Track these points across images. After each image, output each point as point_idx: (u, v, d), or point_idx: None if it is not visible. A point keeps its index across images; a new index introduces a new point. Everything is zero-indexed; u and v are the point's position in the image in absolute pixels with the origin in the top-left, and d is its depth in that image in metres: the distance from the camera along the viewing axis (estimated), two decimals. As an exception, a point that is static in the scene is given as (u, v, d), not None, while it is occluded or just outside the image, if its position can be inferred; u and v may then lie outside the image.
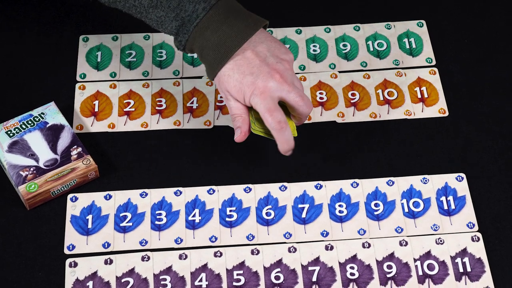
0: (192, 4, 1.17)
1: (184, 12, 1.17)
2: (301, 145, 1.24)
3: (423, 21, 1.44)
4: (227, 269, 1.17)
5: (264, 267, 1.17)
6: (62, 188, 1.22)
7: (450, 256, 1.18)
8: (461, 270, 1.17)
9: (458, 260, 1.18)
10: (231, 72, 1.17)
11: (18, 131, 1.25)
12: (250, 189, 1.24)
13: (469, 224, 1.21)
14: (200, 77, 1.36)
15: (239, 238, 1.20)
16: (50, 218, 1.21)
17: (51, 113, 1.28)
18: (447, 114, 1.33)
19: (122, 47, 1.39)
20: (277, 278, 1.16)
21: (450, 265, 1.17)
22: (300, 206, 1.23)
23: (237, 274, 1.17)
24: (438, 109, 1.33)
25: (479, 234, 1.20)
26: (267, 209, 1.22)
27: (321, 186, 1.25)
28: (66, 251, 1.18)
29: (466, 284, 1.16)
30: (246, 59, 1.17)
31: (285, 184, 1.25)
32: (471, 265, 1.18)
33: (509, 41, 1.42)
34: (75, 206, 1.22)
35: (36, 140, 1.25)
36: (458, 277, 1.16)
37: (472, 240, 1.20)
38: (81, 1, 1.44)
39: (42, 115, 1.28)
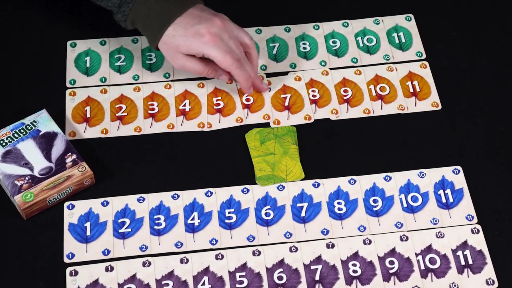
0: None
1: None
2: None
3: (411, 15, 1.44)
4: (229, 271, 1.16)
5: (266, 267, 1.17)
6: (59, 196, 1.21)
7: (451, 249, 1.18)
8: (462, 263, 1.17)
9: (459, 253, 1.18)
10: (174, 32, 1.24)
11: (10, 140, 1.24)
12: (248, 190, 1.24)
13: (468, 216, 1.22)
14: (192, 79, 1.35)
15: (239, 239, 1.19)
16: (47, 227, 1.20)
17: (43, 121, 1.26)
18: (440, 107, 1.33)
19: (111, 51, 1.38)
20: (280, 278, 1.16)
21: (451, 258, 1.18)
22: (299, 205, 1.22)
23: (240, 276, 1.16)
24: (431, 102, 1.33)
25: (478, 226, 1.21)
26: (266, 210, 1.22)
27: (318, 185, 1.24)
28: (66, 260, 1.17)
29: (468, 276, 1.16)
30: (185, 16, 1.24)
31: (283, 183, 1.24)
32: (473, 257, 1.18)
33: (496, 32, 1.43)
34: (72, 214, 1.21)
35: (29, 149, 1.24)
36: (460, 270, 1.17)
37: (472, 232, 1.20)
38: (66, 6, 1.42)
39: (34, 123, 1.26)
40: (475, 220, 1.21)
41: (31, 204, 1.19)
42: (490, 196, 1.24)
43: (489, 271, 1.17)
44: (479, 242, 1.19)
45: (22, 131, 1.25)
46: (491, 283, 1.16)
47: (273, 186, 1.24)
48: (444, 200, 1.23)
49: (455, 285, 1.15)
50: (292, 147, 1.27)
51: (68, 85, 1.34)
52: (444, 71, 1.37)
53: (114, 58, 1.37)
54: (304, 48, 1.40)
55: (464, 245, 1.19)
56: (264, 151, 1.26)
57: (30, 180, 1.21)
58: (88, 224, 1.20)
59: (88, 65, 1.36)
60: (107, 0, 1.26)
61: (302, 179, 1.25)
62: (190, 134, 1.29)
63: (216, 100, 1.32)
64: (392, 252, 1.18)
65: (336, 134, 1.30)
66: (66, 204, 1.22)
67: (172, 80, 1.35)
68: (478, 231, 1.20)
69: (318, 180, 1.25)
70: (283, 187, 1.24)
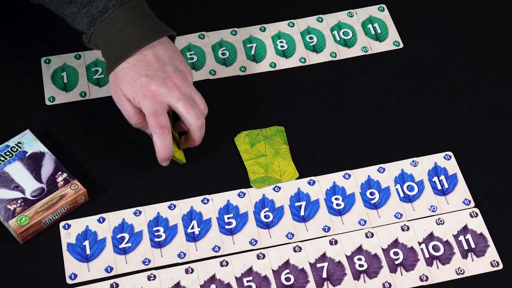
0: (104, 1, 1.20)
1: (95, 8, 1.20)
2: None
3: (384, 5, 1.44)
4: (236, 278, 1.15)
5: (273, 270, 1.16)
6: (53, 217, 1.19)
7: (453, 235, 1.19)
8: (465, 247, 1.18)
9: (461, 237, 1.19)
10: (128, 70, 1.19)
11: (-3, 164, 1.21)
12: (244, 194, 1.23)
13: (465, 201, 1.22)
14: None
15: (242, 244, 1.18)
16: (45, 249, 1.17)
17: (28, 141, 1.24)
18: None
19: (87, 64, 1.36)
20: (287, 279, 1.15)
21: (454, 244, 1.18)
22: (297, 204, 1.22)
23: (247, 281, 1.15)
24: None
25: (476, 210, 1.22)
26: (265, 212, 1.21)
27: (314, 182, 1.24)
28: (69, 281, 1.15)
29: (473, 260, 1.17)
30: (145, 61, 1.19)
31: (278, 184, 1.24)
32: (475, 241, 1.19)
33: (469, 15, 1.44)
34: (69, 234, 1.19)
35: (18, 171, 1.21)
36: (464, 255, 1.17)
37: (471, 216, 1.21)
38: (36, 22, 1.40)
39: (19, 144, 1.23)
40: (472, 203, 1.22)
41: (27, 227, 1.16)
42: (483, 178, 1.25)
43: (492, 253, 1.18)
44: (479, 225, 1.20)
45: (8, 153, 1.22)
46: (496, 264, 1.17)
47: (269, 188, 1.23)
48: (439, 187, 1.23)
49: (461, 270, 1.16)
50: (283, 147, 1.26)
51: (47, 102, 1.31)
52: (422, 59, 1.38)
53: (91, 71, 1.35)
54: (282, 46, 1.39)
55: (464, 230, 1.20)
56: (255, 153, 1.26)
57: (23, 203, 1.18)
58: (87, 243, 1.18)
59: (65, 80, 1.34)
60: (76, 24, 1.23)
61: (297, 178, 1.24)
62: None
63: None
64: (395, 243, 1.18)
65: (324, 130, 1.29)
66: (62, 224, 1.19)
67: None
68: (477, 214, 1.21)
69: (313, 178, 1.24)
70: (279, 188, 1.23)
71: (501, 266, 1.16)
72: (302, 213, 1.21)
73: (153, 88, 1.18)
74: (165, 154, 1.20)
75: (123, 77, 1.19)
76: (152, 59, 1.20)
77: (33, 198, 1.18)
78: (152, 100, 1.18)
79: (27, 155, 1.22)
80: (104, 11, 1.20)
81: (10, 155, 1.22)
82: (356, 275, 1.16)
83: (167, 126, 1.18)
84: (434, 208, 1.21)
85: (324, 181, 1.24)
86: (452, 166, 1.26)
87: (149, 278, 1.15)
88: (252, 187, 1.23)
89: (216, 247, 1.18)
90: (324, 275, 1.16)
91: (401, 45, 1.39)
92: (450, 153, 1.27)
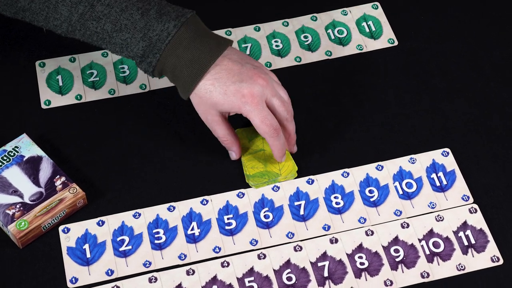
0: (161, 24, 1.15)
1: (152, 31, 1.15)
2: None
3: (377, 3, 1.45)
4: (237, 278, 1.15)
5: (274, 270, 1.16)
6: (53, 221, 1.18)
7: (453, 231, 1.19)
8: (465, 243, 1.18)
9: (461, 234, 1.19)
10: (212, 87, 1.16)
11: (-6, 169, 1.21)
12: (243, 194, 1.23)
13: (463, 197, 1.23)
14: (168, 88, 1.33)
15: (242, 245, 1.18)
16: (45, 254, 1.17)
17: (25, 145, 1.23)
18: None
19: (82, 67, 1.35)
20: (289, 279, 1.15)
21: (454, 240, 1.19)
22: (296, 203, 1.22)
23: (249, 281, 1.15)
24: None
25: (475, 206, 1.22)
26: (264, 212, 1.21)
27: (313, 181, 1.24)
28: (70, 285, 1.14)
29: (473, 256, 1.17)
30: (224, 70, 1.17)
31: (277, 184, 1.23)
32: (474, 237, 1.19)
33: (463, 12, 1.44)
34: (69, 238, 1.18)
35: (16, 176, 1.20)
36: (464, 251, 1.18)
37: (470, 212, 1.21)
38: (29, 25, 1.39)
39: (16, 148, 1.23)
40: (471, 199, 1.22)
41: (26, 232, 1.16)
42: (481, 174, 1.25)
43: (492, 248, 1.18)
44: (478, 221, 1.20)
45: (5, 158, 1.22)
46: (496, 260, 1.17)
47: (268, 188, 1.23)
48: (438, 184, 1.24)
49: (461, 266, 1.16)
50: None
51: (43, 106, 1.31)
52: (417, 56, 1.38)
53: (86, 74, 1.35)
54: (277, 46, 1.39)
55: (464, 226, 1.20)
56: (253, 149, 1.25)
57: (21, 208, 1.17)
58: (87, 246, 1.17)
59: (61, 84, 1.33)
60: (129, 51, 1.17)
61: (296, 178, 1.24)
62: (177, 143, 1.27)
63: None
64: (396, 241, 1.19)
65: (321, 128, 1.29)
66: (61, 228, 1.19)
67: (149, 91, 1.33)
68: (476, 210, 1.21)
69: (311, 177, 1.24)
70: (278, 188, 1.23)
71: (501, 261, 1.17)
72: (301, 212, 1.21)
73: (247, 91, 1.16)
74: (283, 151, 1.21)
75: (211, 95, 1.16)
76: (230, 65, 1.17)
77: (31, 203, 1.18)
78: (253, 104, 1.16)
79: (24, 159, 1.22)
80: (165, 33, 1.15)
81: (8, 160, 1.22)
82: (358, 273, 1.16)
83: (278, 127, 1.18)
84: (433, 205, 1.22)
85: (323, 180, 1.24)
86: (450, 162, 1.26)
87: (150, 280, 1.15)
88: (250, 187, 1.23)
89: (217, 248, 1.18)
90: (326, 274, 1.16)
91: (396, 43, 1.40)
92: (447, 149, 1.27)
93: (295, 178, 1.24)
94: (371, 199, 1.22)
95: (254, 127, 1.26)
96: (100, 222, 1.20)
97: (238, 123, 1.28)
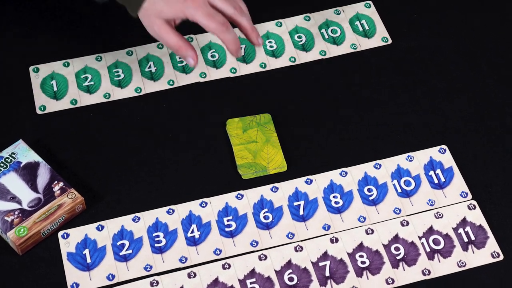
0: None
1: None
2: (281, 142, 1.25)
3: (370, 2, 1.45)
4: (239, 280, 1.15)
5: (275, 271, 1.16)
6: (52, 227, 1.18)
7: (452, 228, 1.20)
8: (465, 240, 1.19)
9: (461, 230, 1.19)
10: None
11: (-9, 175, 1.20)
12: (242, 196, 1.22)
13: (462, 193, 1.23)
14: (164, 91, 1.33)
15: (243, 246, 1.18)
16: (45, 260, 1.16)
17: (22, 151, 1.23)
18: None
19: (76, 72, 1.35)
20: (290, 279, 1.15)
21: (454, 236, 1.19)
22: (295, 204, 1.22)
23: (251, 283, 1.15)
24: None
25: (474, 202, 1.22)
26: (264, 213, 1.21)
27: (311, 181, 1.24)
28: (71, 291, 1.14)
29: (473, 252, 1.18)
30: None
31: (276, 184, 1.23)
32: (474, 233, 1.19)
33: (456, 8, 1.44)
34: (68, 243, 1.18)
35: (13, 182, 1.20)
36: (464, 247, 1.18)
37: (469, 208, 1.22)
38: (23, 31, 1.38)
39: (13, 155, 1.22)
40: (470, 196, 1.23)
41: (26, 238, 1.15)
42: (478, 171, 1.25)
43: (492, 244, 1.18)
44: (477, 217, 1.21)
45: (2, 164, 1.21)
46: (496, 256, 1.17)
47: (267, 188, 1.23)
48: (436, 181, 1.24)
49: (462, 263, 1.16)
50: (274, 136, 1.26)
51: (38, 111, 1.30)
52: (412, 54, 1.38)
53: (81, 78, 1.34)
54: (271, 46, 1.39)
55: (463, 222, 1.20)
56: (246, 139, 1.25)
57: (20, 214, 1.17)
58: (87, 251, 1.17)
59: (55, 88, 1.33)
60: None
61: (295, 178, 1.24)
62: (173, 146, 1.27)
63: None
64: (396, 239, 1.19)
65: (319, 129, 1.29)
66: (60, 233, 1.18)
67: (145, 94, 1.33)
68: (475, 206, 1.22)
69: (309, 177, 1.24)
70: (277, 188, 1.23)
71: (501, 257, 1.17)
72: (301, 212, 1.21)
73: None
74: (235, 45, 1.21)
75: (155, 5, 1.19)
76: None
77: (30, 209, 1.17)
78: (194, 5, 1.18)
79: (21, 165, 1.21)
80: None
81: (5, 166, 1.21)
82: (359, 272, 1.16)
83: (225, 20, 1.19)
84: (432, 202, 1.22)
85: (321, 179, 1.24)
86: (447, 159, 1.26)
87: (152, 284, 1.14)
88: (249, 188, 1.23)
89: (217, 250, 1.17)
90: (327, 274, 1.16)
91: (390, 41, 1.40)
92: (444, 146, 1.27)
93: (294, 176, 1.24)
94: (370, 198, 1.22)
95: (250, 117, 1.26)
96: (100, 226, 1.19)
97: (235, 115, 1.28)
